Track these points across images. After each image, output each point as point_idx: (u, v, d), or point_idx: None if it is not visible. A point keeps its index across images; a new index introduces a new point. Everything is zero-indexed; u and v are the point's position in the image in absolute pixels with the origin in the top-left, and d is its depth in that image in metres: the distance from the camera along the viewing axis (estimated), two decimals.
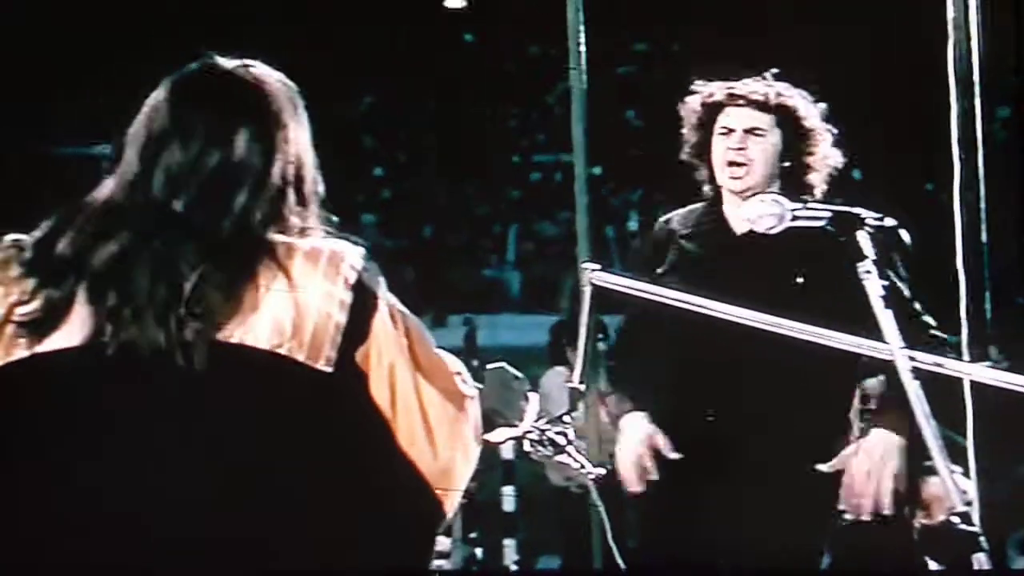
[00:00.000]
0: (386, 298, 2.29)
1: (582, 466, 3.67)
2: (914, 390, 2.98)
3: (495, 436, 3.27)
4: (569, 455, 3.65)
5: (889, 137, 8.88)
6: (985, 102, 4.47)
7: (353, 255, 2.26)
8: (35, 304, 2.19)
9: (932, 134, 4.77)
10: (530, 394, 3.63)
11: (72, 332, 2.18)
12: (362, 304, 2.24)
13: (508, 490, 6.58)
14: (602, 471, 3.71)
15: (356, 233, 2.35)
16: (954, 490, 2.95)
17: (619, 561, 3.91)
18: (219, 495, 2.16)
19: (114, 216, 2.23)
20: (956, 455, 3.65)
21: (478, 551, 6.46)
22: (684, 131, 4.14)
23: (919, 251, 3.68)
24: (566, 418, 3.65)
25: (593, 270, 3.79)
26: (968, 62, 4.45)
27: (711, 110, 4.07)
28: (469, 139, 11.63)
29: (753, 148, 3.99)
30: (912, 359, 3.02)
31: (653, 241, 4.18)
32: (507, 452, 6.23)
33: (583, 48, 5.12)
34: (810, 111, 4.05)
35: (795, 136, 4.01)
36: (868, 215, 3.17)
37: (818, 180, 4.05)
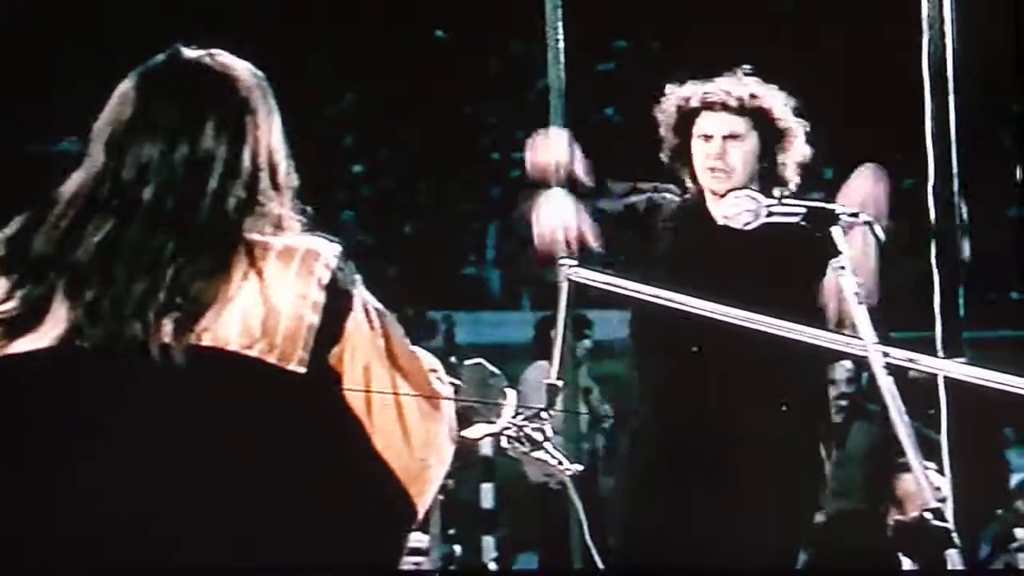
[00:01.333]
0: (361, 297, 2.28)
1: (559, 462, 3.67)
2: (887, 386, 3.00)
3: (473, 432, 3.27)
4: (546, 451, 3.65)
5: (864, 133, 8.91)
6: (959, 98, 4.48)
7: (327, 254, 2.24)
8: (12, 303, 2.18)
9: (907, 130, 4.79)
10: (508, 390, 3.63)
11: (49, 329, 2.17)
12: (335, 305, 2.22)
13: (487, 487, 6.58)
14: (579, 467, 3.72)
15: (336, 230, 2.34)
16: (927, 486, 2.97)
17: (597, 559, 3.92)
18: (192, 495, 2.15)
19: (86, 210, 2.22)
20: (929, 451, 3.66)
21: (457, 548, 6.46)
22: (662, 134, 4.17)
23: (893, 246, 3.70)
24: (543, 415, 3.66)
25: (570, 266, 3.80)
26: (942, 59, 4.46)
27: (687, 115, 4.11)
28: (449, 136, 11.63)
29: (733, 153, 4.04)
30: (886, 355, 3.04)
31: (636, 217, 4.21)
32: (486, 448, 6.24)
33: (562, 45, 5.13)
34: (783, 109, 4.09)
35: (771, 136, 4.06)
36: (843, 210, 3.19)
37: (792, 175, 4.10)
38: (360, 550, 2.26)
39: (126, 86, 2.29)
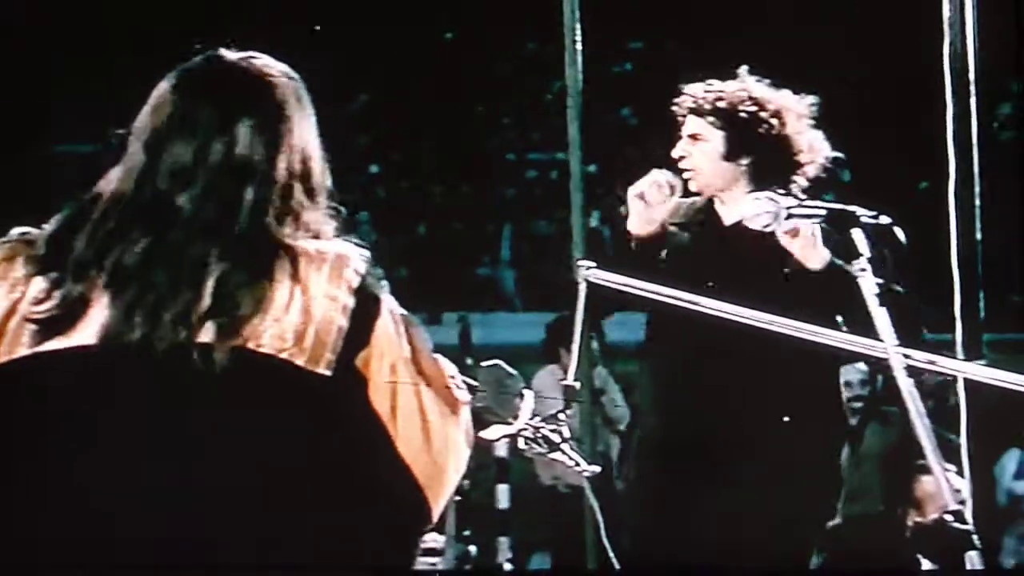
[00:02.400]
0: (388, 303, 2.28)
1: (576, 464, 3.67)
2: (908, 388, 2.99)
3: (490, 434, 3.27)
4: (564, 453, 3.65)
5: (884, 136, 8.88)
6: (981, 101, 4.47)
7: (357, 259, 2.25)
8: (53, 301, 2.18)
9: (928, 133, 4.78)
10: (525, 391, 3.63)
11: (85, 329, 2.17)
12: (364, 309, 2.23)
13: (502, 488, 6.57)
14: (597, 468, 3.71)
15: (351, 231, 2.34)
16: (947, 488, 2.96)
17: (613, 560, 3.91)
18: (218, 494, 2.16)
19: (127, 211, 2.22)
20: (949, 453, 3.65)
21: (472, 549, 6.46)
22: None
23: (914, 249, 3.69)
24: (560, 416, 3.66)
25: (588, 267, 3.80)
26: (963, 61, 4.45)
27: (680, 119, 4.14)
28: (464, 137, 11.63)
29: (696, 153, 4.06)
30: (907, 357, 3.03)
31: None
32: (501, 450, 6.23)
33: (579, 46, 5.12)
34: (758, 104, 4.06)
35: (743, 132, 4.04)
36: (863, 213, 3.18)
37: (788, 173, 4.03)
38: (375, 549, 2.26)
39: (165, 86, 2.28)
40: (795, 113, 4.08)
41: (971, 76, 4.47)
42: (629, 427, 7.98)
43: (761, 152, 4.04)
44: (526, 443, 3.64)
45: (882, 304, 3.03)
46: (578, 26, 5.11)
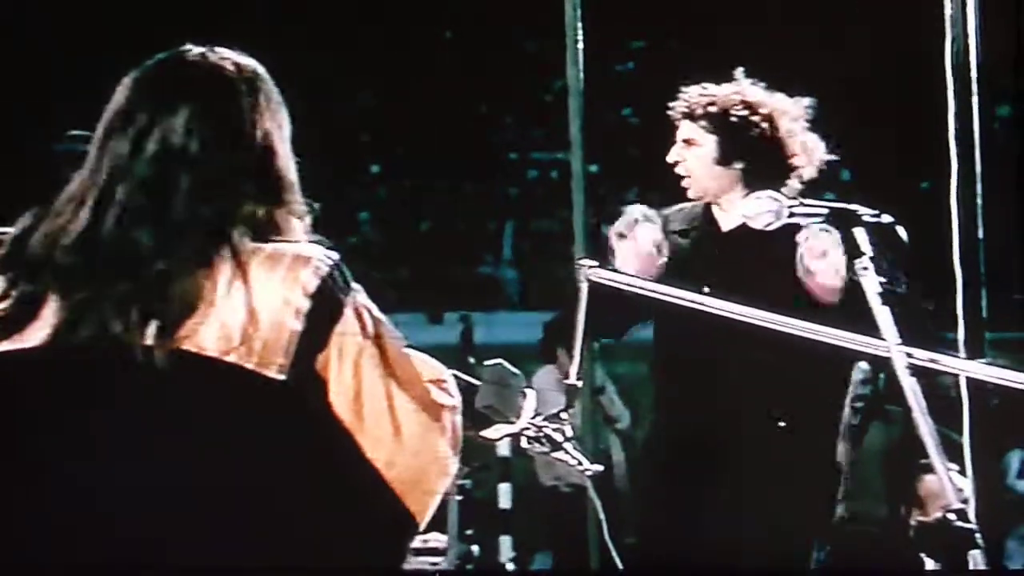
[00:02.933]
0: (356, 304, 2.23)
1: (579, 463, 3.67)
2: (911, 387, 2.98)
3: (492, 433, 3.27)
4: (566, 452, 3.65)
5: (886, 134, 8.88)
6: (983, 100, 4.47)
7: (318, 261, 2.20)
8: (8, 301, 2.17)
9: (929, 131, 4.77)
10: (527, 391, 3.63)
11: (37, 329, 2.16)
12: (321, 312, 2.18)
13: (504, 487, 6.57)
14: (599, 468, 3.71)
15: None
16: (950, 487, 2.96)
17: (616, 559, 3.91)
18: (172, 496, 2.14)
19: (73, 209, 2.20)
20: (952, 452, 3.65)
21: (474, 548, 6.45)
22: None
23: (916, 248, 3.69)
24: (563, 415, 3.66)
25: (589, 267, 3.80)
26: (965, 59, 4.45)
27: (677, 123, 4.15)
28: (466, 136, 11.63)
29: (690, 158, 4.08)
30: (909, 355, 3.03)
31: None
32: (503, 449, 6.24)
33: (580, 45, 5.12)
34: (752, 107, 4.07)
35: (736, 136, 4.04)
36: (865, 212, 3.18)
37: (788, 171, 4.04)
38: (355, 554, 2.23)
39: (122, 84, 2.26)
40: (789, 116, 4.08)
41: (973, 74, 4.47)
42: (632, 427, 7.98)
43: (755, 156, 4.05)
44: (528, 442, 3.64)
45: (884, 303, 3.03)
46: (579, 25, 5.11)
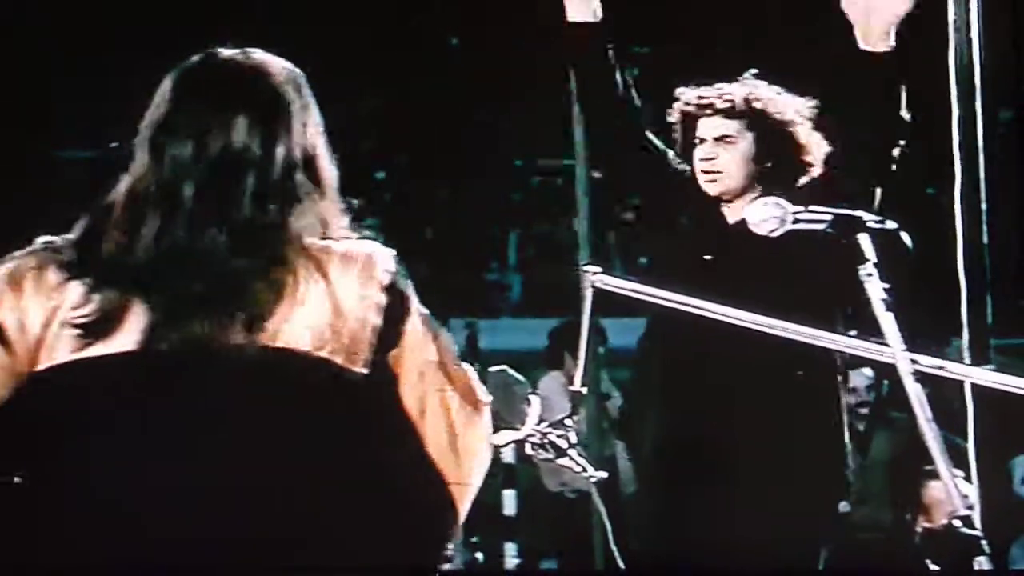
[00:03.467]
0: (416, 302, 2.31)
1: (584, 469, 3.66)
2: (915, 393, 2.98)
3: (497, 439, 3.27)
4: (571, 458, 3.65)
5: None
6: (986, 105, 4.46)
7: (386, 258, 2.28)
8: (91, 305, 2.19)
9: (933, 137, 4.77)
10: (532, 397, 3.63)
11: (128, 333, 2.19)
12: (396, 307, 2.26)
13: (509, 493, 6.57)
14: (604, 474, 3.71)
15: (363, 225, 2.35)
16: (956, 494, 2.95)
17: (620, 564, 3.91)
18: (261, 495, 2.18)
19: (138, 213, 2.23)
20: (957, 459, 3.65)
21: (479, 555, 6.46)
22: (675, 138, 4.20)
23: (920, 254, 3.69)
24: (568, 421, 3.65)
25: (594, 273, 3.80)
26: (969, 64, 4.44)
27: (688, 119, 4.14)
28: (470, 142, 11.63)
29: (724, 156, 4.06)
30: (914, 362, 3.02)
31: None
32: (508, 455, 6.24)
33: None
34: (781, 106, 4.09)
35: (770, 135, 4.06)
36: (869, 218, 3.18)
37: (801, 173, 4.07)
38: (406, 549, 2.28)
39: (164, 87, 2.30)
40: (803, 116, 4.09)
41: (976, 80, 4.46)
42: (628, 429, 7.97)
43: (783, 155, 4.07)
44: (533, 449, 3.64)
45: (888, 309, 3.03)
46: None
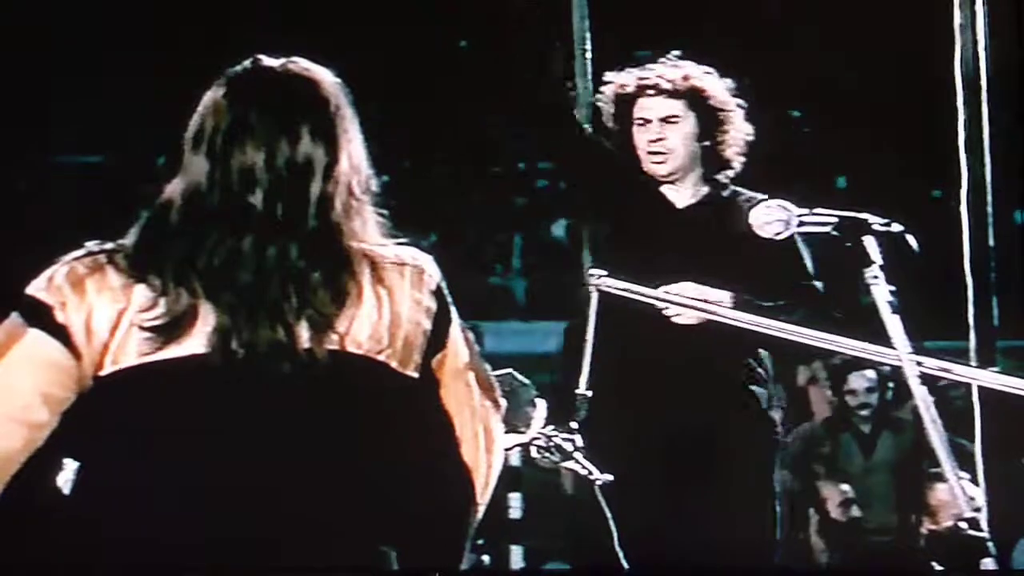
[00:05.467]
0: (453, 306, 2.36)
1: (589, 472, 3.67)
2: (921, 396, 2.98)
3: (504, 442, 3.27)
4: (576, 461, 3.65)
5: (895, 143, 8.87)
6: (992, 107, 4.46)
7: (430, 263, 2.34)
8: (160, 308, 2.21)
9: (939, 139, 4.77)
10: (537, 401, 3.63)
11: (194, 336, 2.21)
12: (442, 312, 2.32)
13: (514, 497, 6.56)
14: (609, 477, 3.71)
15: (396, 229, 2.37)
16: (962, 496, 2.95)
17: (625, 566, 3.91)
18: (325, 494, 2.23)
19: (205, 216, 2.25)
20: (963, 461, 3.65)
21: (485, 558, 6.45)
22: (604, 122, 4.25)
23: (927, 257, 3.69)
24: (573, 424, 3.66)
25: (599, 276, 3.81)
26: (975, 67, 4.44)
27: (626, 101, 4.18)
28: (474, 146, 11.64)
29: (672, 135, 4.12)
30: (920, 364, 3.02)
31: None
32: (514, 459, 6.23)
33: (588, 55, 5.13)
34: (719, 89, 4.16)
35: (709, 116, 4.12)
36: (875, 221, 3.17)
37: (734, 155, 4.17)
38: (438, 535, 2.35)
39: (216, 95, 2.31)
40: (731, 96, 4.15)
41: (983, 83, 4.46)
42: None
43: (720, 135, 4.13)
44: (539, 452, 3.64)
45: (894, 311, 3.02)
46: (588, 35, 5.11)
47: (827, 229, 3.19)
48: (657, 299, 3.83)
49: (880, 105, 8.86)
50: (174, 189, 2.28)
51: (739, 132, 4.14)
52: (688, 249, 3.99)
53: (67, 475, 2.28)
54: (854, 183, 7.85)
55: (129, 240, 2.26)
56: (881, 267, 3.08)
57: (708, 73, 4.16)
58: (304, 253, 2.23)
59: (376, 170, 2.37)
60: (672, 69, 4.16)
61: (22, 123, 8.38)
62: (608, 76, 4.23)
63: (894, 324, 3.02)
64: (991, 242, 4.46)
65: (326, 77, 2.35)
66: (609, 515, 3.81)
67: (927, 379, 3.04)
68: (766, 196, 3.85)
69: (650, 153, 4.12)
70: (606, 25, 5.24)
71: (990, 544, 2.90)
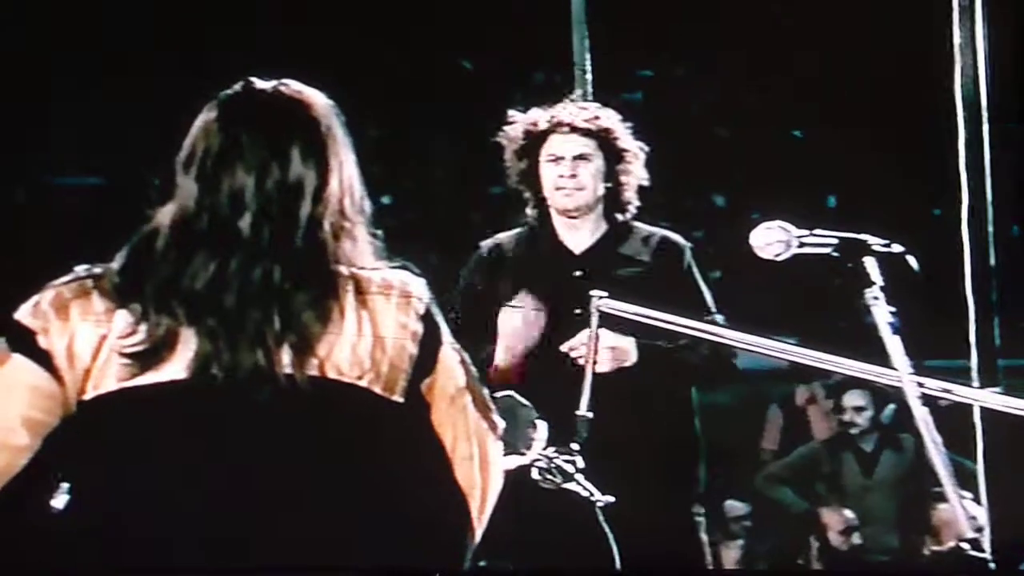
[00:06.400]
0: (446, 330, 2.35)
1: (591, 494, 3.66)
2: (922, 416, 2.97)
3: (505, 464, 3.27)
4: (577, 483, 3.64)
5: (896, 163, 8.88)
6: (992, 126, 4.46)
7: (419, 287, 2.32)
8: (140, 335, 2.21)
9: (939, 159, 4.77)
10: (538, 422, 3.62)
11: (174, 362, 2.21)
12: (430, 336, 2.30)
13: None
14: (611, 499, 3.70)
15: (389, 250, 2.37)
16: (964, 516, 2.94)
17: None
18: (310, 519, 2.22)
19: (191, 240, 2.25)
20: (966, 481, 3.64)
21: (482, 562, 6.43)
22: (507, 159, 4.30)
23: (927, 276, 3.69)
24: (573, 446, 3.65)
25: (600, 297, 3.81)
26: (975, 86, 4.45)
27: (536, 138, 4.24)
28: (475, 166, 11.65)
29: (583, 173, 4.18)
30: (921, 385, 3.02)
31: (486, 267, 4.33)
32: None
33: (589, 75, 5.13)
34: (625, 132, 4.24)
35: (615, 158, 4.21)
36: (875, 241, 3.17)
37: (632, 196, 4.24)
38: (432, 557, 2.34)
39: (208, 117, 2.31)
40: (632, 140, 4.23)
41: (983, 102, 4.47)
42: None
43: (620, 178, 4.22)
44: (540, 474, 3.63)
45: (895, 333, 3.02)
46: (588, 56, 5.12)
47: (827, 250, 3.19)
48: (657, 322, 3.82)
49: (879, 125, 8.87)
50: (165, 213, 2.28)
51: (638, 176, 4.23)
52: (585, 294, 4.01)
53: (61, 495, 2.27)
54: (850, 202, 7.87)
55: (115, 264, 2.26)
56: (882, 288, 3.07)
57: (613, 115, 4.25)
58: (289, 276, 2.22)
59: (378, 191, 2.36)
60: (582, 110, 4.26)
61: (22, 144, 8.39)
62: (512, 115, 4.30)
63: (895, 345, 3.02)
64: (992, 261, 4.46)
65: (317, 99, 2.34)
66: (611, 536, 3.80)
67: (928, 399, 3.03)
68: (665, 230, 4.18)
69: (558, 188, 4.20)
70: (606, 44, 5.25)
71: (992, 564, 2.89)
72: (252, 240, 2.23)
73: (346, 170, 2.31)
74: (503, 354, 4.13)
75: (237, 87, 2.34)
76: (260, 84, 2.34)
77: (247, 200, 2.25)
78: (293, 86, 2.34)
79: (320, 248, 2.25)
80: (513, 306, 4.22)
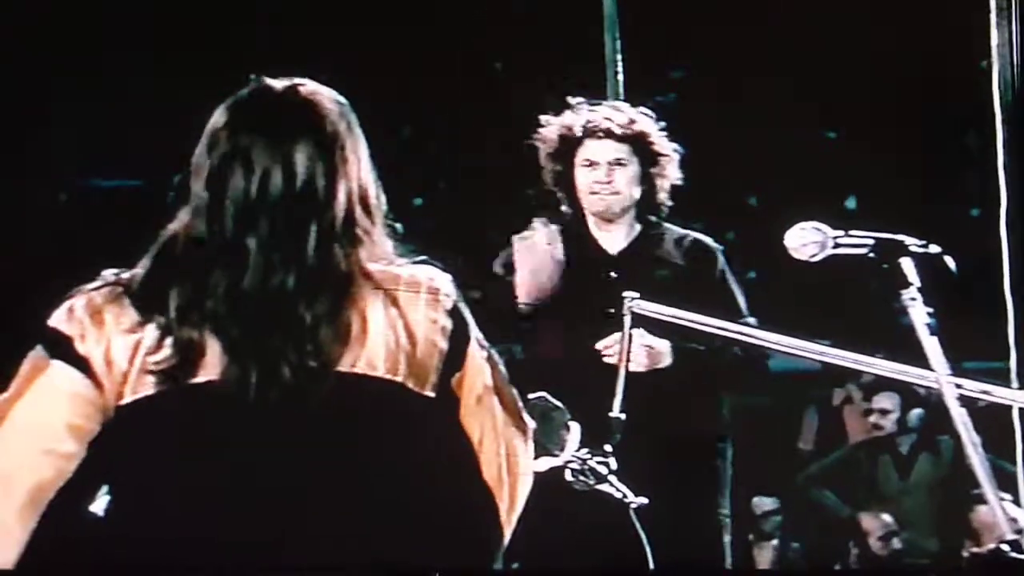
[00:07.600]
0: (474, 326, 2.34)
1: (624, 495, 3.65)
2: (961, 418, 2.95)
3: (537, 466, 3.26)
4: (611, 484, 3.63)
5: (935, 163, 8.83)
6: None
7: (446, 282, 2.31)
8: (167, 351, 2.20)
9: (977, 159, 4.74)
10: (571, 424, 3.62)
11: (204, 376, 2.20)
12: (459, 331, 2.29)
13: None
14: (644, 500, 3.69)
15: (408, 248, 2.36)
16: (1003, 518, 2.92)
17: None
18: (346, 513, 2.22)
19: (204, 253, 2.23)
20: (1005, 483, 3.61)
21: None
22: (542, 162, 4.31)
23: (965, 278, 3.66)
24: (606, 447, 3.64)
25: (632, 298, 3.81)
26: (1013, 87, 4.42)
27: (571, 142, 4.24)
28: (508, 168, 11.64)
29: (619, 178, 4.20)
30: (959, 387, 2.99)
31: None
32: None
33: (620, 76, 5.13)
34: (659, 136, 4.24)
35: (650, 161, 4.22)
36: (912, 242, 3.15)
37: (665, 198, 4.26)
38: (460, 555, 2.33)
39: (217, 121, 2.29)
40: (667, 142, 4.23)
41: (1022, 102, 4.43)
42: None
43: (656, 183, 4.23)
44: (573, 475, 3.63)
45: (932, 333, 3.00)
46: (619, 57, 5.11)
47: (863, 251, 3.17)
48: (690, 323, 3.81)
49: (917, 125, 8.83)
50: (179, 221, 2.26)
51: (672, 178, 4.24)
52: (615, 290, 4.01)
53: (101, 501, 2.27)
54: (887, 203, 7.84)
55: (140, 271, 2.25)
56: (919, 289, 3.05)
57: (648, 117, 4.25)
58: (303, 291, 2.20)
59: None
60: (617, 113, 4.26)
61: (55, 146, 8.43)
62: (546, 118, 4.30)
63: (932, 346, 3.00)
64: None
65: (328, 99, 2.31)
66: (644, 537, 3.79)
67: (966, 401, 3.01)
68: (697, 232, 4.19)
69: (593, 193, 4.21)
70: (637, 46, 5.24)
71: None
72: (263, 255, 2.21)
73: (359, 169, 2.28)
74: (525, 288, 4.16)
75: (247, 90, 2.31)
76: (271, 84, 2.31)
77: (253, 208, 2.22)
78: (304, 87, 2.31)
79: (334, 258, 2.23)
80: (526, 237, 4.26)
